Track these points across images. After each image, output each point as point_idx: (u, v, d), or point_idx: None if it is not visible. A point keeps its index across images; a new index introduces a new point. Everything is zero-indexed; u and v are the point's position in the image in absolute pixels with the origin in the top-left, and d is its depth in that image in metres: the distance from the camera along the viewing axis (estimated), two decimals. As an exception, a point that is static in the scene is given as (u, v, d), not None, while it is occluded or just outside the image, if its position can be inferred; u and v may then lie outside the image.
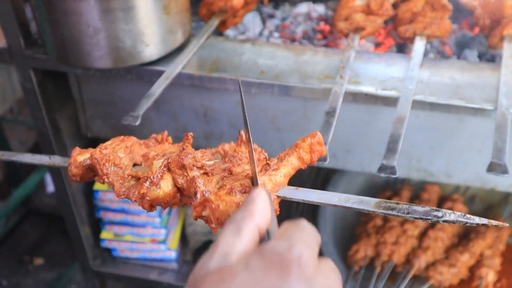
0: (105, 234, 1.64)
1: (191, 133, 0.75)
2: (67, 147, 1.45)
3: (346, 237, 1.61)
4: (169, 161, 0.69)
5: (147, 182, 0.68)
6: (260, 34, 1.55)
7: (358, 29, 1.23)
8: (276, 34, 1.54)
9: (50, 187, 2.43)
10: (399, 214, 0.61)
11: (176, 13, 1.17)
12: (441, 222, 0.59)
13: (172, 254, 1.68)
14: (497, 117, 0.99)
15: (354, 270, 1.50)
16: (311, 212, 1.72)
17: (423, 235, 1.53)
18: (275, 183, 0.66)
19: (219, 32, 1.45)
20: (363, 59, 1.19)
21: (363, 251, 1.51)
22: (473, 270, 1.49)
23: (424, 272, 1.48)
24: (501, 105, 1.02)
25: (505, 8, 1.22)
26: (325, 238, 1.57)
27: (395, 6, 1.35)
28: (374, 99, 1.12)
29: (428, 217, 0.60)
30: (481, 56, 1.36)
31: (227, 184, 0.65)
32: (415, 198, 1.64)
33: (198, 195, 0.65)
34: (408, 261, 1.50)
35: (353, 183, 1.73)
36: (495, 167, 0.90)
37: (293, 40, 1.51)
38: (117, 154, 0.76)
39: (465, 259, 1.47)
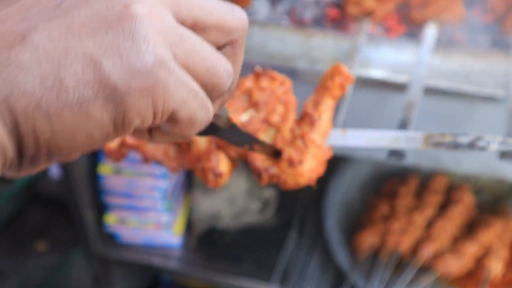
0: (109, 219, 1.63)
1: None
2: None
3: (352, 226, 1.60)
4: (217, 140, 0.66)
5: (211, 175, 0.67)
6: (269, 17, 1.53)
7: (369, 13, 1.21)
8: (284, 18, 1.51)
9: (54, 172, 2.42)
10: (448, 148, 0.63)
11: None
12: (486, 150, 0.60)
13: (177, 241, 1.67)
14: (510, 103, 0.97)
15: (360, 260, 1.48)
16: (317, 200, 1.71)
17: (430, 225, 1.51)
18: (323, 134, 0.64)
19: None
20: (374, 43, 1.17)
21: (369, 240, 1.50)
22: (480, 261, 1.47)
23: (431, 262, 1.46)
24: (514, 92, 1.00)
25: (519, -7, 1.20)
26: (330, 226, 1.55)
27: (407, -9, 1.33)
28: (384, 85, 1.10)
29: (473, 148, 0.61)
30: (495, 43, 1.34)
31: (283, 152, 0.64)
32: (423, 187, 1.62)
33: (263, 174, 0.64)
34: (415, 251, 1.49)
35: (360, 171, 1.71)
36: (508, 154, 0.88)
37: (302, 24, 1.49)
38: None
39: (472, 250, 1.46)
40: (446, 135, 0.59)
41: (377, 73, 1.09)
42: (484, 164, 1.21)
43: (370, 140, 0.63)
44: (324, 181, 1.73)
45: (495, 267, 1.44)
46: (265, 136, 0.65)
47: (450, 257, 1.44)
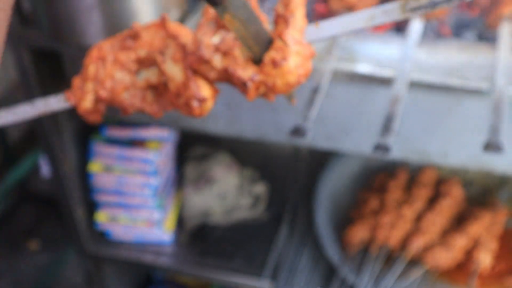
0: (100, 217, 1.63)
1: (165, 13, 0.69)
2: (61, 127, 1.44)
3: (342, 221, 1.61)
4: (191, 63, 0.64)
5: (195, 102, 0.64)
6: (257, 15, 1.53)
7: (350, 9, 1.22)
8: (273, 13, 1.52)
9: (45, 170, 2.42)
10: (427, 10, 0.56)
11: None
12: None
13: (168, 237, 1.67)
14: (494, 96, 0.98)
15: (350, 254, 1.49)
16: (307, 195, 1.72)
17: (419, 218, 1.52)
18: (300, 30, 0.62)
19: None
20: (359, 38, 1.18)
21: (358, 234, 1.51)
22: (469, 253, 1.48)
23: (420, 255, 1.47)
24: (498, 85, 1.00)
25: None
26: (321, 221, 1.56)
27: (393, -14, 1.34)
28: (370, 79, 1.11)
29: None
30: (480, 37, 1.35)
31: (263, 56, 0.61)
32: (412, 181, 1.63)
33: (248, 83, 0.61)
34: (404, 244, 1.50)
35: (349, 166, 1.72)
36: (491, 146, 0.89)
37: None
38: (117, 78, 0.70)
39: (461, 243, 1.47)
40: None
41: (362, 68, 1.09)
42: (471, 157, 1.22)
43: (345, 25, 0.61)
44: (314, 176, 1.74)
45: (484, 259, 1.45)
46: (240, 51, 0.62)
47: (440, 250, 1.45)
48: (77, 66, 1.36)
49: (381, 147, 0.89)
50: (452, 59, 1.11)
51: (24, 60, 1.29)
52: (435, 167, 1.65)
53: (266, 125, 1.29)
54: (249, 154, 1.86)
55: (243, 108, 1.28)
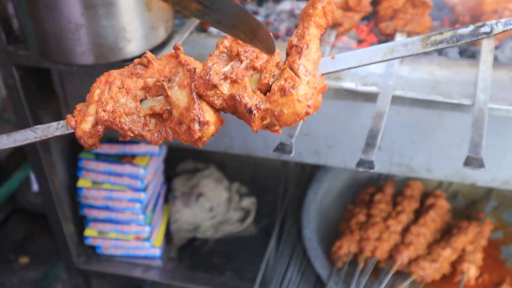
0: (89, 232, 1.64)
1: (179, 43, 0.70)
2: (50, 144, 1.45)
3: (330, 234, 1.62)
4: (196, 87, 0.64)
5: (196, 125, 0.64)
6: (244, 31, 1.55)
7: (335, 25, 1.24)
8: (259, 31, 1.54)
9: (36, 185, 2.42)
10: (449, 45, 0.56)
11: (158, 9, 1.17)
12: (492, 36, 0.55)
13: (157, 252, 1.68)
14: (475, 112, 1.00)
15: (338, 266, 1.51)
16: (295, 208, 1.73)
17: (405, 231, 1.54)
18: (314, 62, 0.62)
19: (202, 28, 1.46)
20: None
21: (346, 247, 1.52)
22: (455, 265, 1.50)
23: (407, 267, 1.49)
24: (479, 100, 1.03)
25: (484, 5, 1.24)
26: (309, 234, 1.58)
27: (376, 3, 1.36)
28: (355, 95, 1.12)
29: (478, 37, 0.55)
30: (462, 53, 1.37)
31: (272, 84, 0.60)
32: (398, 194, 1.65)
33: (254, 111, 0.61)
34: (391, 257, 1.52)
35: (338, 179, 1.74)
36: (471, 161, 0.91)
37: (276, 37, 1.51)
38: (121, 102, 0.69)
39: (447, 255, 1.49)
40: (444, 32, 0.56)
41: (347, 84, 1.11)
42: (455, 171, 1.24)
43: (364, 59, 0.60)
44: (302, 189, 1.76)
45: (470, 271, 1.47)
46: (250, 81, 0.62)
47: (426, 262, 1.47)
48: (65, 83, 1.38)
49: (364, 163, 0.91)
50: (435, 75, 1.13)
51: (13, 77, 1.30)
52: (420, 180, 1.68)
53: (254, 141, 1.31)
54: (238, 168, 1.88)
55: (231, 123, 1.29)
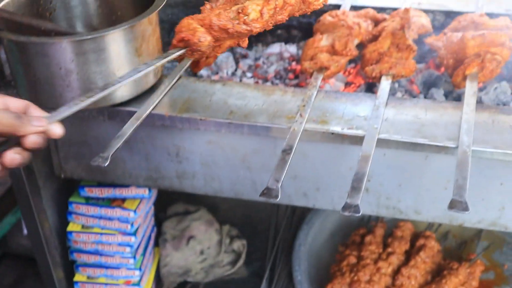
0: (78, 277, 1.62)
1: None
2: (40, 188, 1.45)
3: (321, 276, 1.61)
4: None
5: None
6: (233, 74, 1.58)
7: (322, 69, 1.27)
8: (249, 74, 1.57)
9: (26, 228, 2.40)
10: None
11: (147, 55, 1.20)
12: None
13: (147, 296, 1.66)
14: (458, 154, 1.02)
15: (329, 309, 1.49)
16: (286, 250, 1.73)
17: (396, 272, 1.53)
18: None
19: (192, 72, 1.48)
20: (331, 98, 1.22)
21: (338, 289, 1.51)
22: (447, 307, 1.49)
23: (399, 310, 1.48)
24: (462, 143, 1.04)
25: (467, 48, 1.26)
26: (299, 277, 1.56)
27: (362, 46, 1.39)
28: (341, 138, 1.14)
29: None
30: (447, 95, 1.40)
31: None
32: (389, 235, 1.65)
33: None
34: (383, 299, 1.51)
35: (328, 221, 1.74)
36: (456, 205, 0.92)
37: (265, 79, 1.54)
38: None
39: (439, 297, 1.48)
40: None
41: (333, 127, 1.13)
42: (443, 212, 1.24)
43: None
44: (294, 231, 1.75)
45: (462, 313, 1.46)
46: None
47: (418, 304, 1.46)
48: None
49: (349, 207, 0.91)
50: (419, 118, 1.15)
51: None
52: (410, 221, 1.68)
53: (243, 184, 1.31)
54: (228, 211, 1.87)
55: (220, 167, 1.30)
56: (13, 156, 0.78)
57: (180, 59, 1.36)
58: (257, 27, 1.02)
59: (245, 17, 1.01)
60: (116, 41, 1.12)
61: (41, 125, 0.80)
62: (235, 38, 1.08)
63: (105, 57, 1.12)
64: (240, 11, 1.02)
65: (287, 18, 1.06)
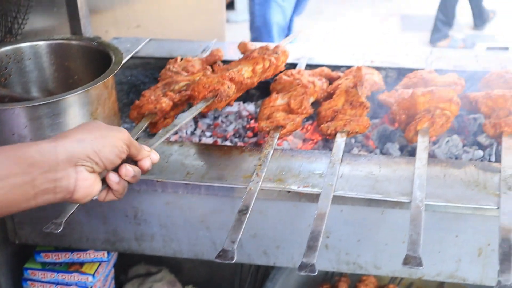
0: None
1: None
2: (-6, 254, 1.41)
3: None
4: None
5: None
6: (193, 133, 1.59)
7: (278, 127, 1.29)
8: (208, 133, 1.58)
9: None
10: None
11: (103, 118, 1.20)
12: None
13: None
14: (411, 209, 1.03)
15: None
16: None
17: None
18: None
19: (150, 133, 1.48)
20: (287, 156, 1.23)
21: None
22: None
23: None
24: (415, 198, 1.06)
25: (417, 104, 1.31)
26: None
27: (317, 104, 1.42)
28: (298, 196, 1.15)
29: None
30: (402, 149, 1.43)
31: None
32: (354, 289, 1.65)
33: None
34: None
35: (292, 278, 1.72)
36: (410, 260, 0.93)
37: (225, 138, 1.55)
38: None
39: None
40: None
41: (289, 186, 1.14)
42: (402, 267, 1.25)
43: None
44: (258, 288, 1.73)
45: None
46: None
47: None
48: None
49: (305, 267, 0.91)
50: (374, 174, 1.17)
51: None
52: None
53: (202, 244, 1.30)
54: (191, 270, 1.84)
55: (179, 227, 1.29)
56: (128, 168, 0.94)
57: (137, 121, 1.37)
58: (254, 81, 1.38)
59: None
60: (71, 106, 1.12)
61: (148, 150, 1.00)
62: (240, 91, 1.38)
63: (60, 122, 1.12)
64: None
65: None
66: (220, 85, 1.29)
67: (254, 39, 3.82)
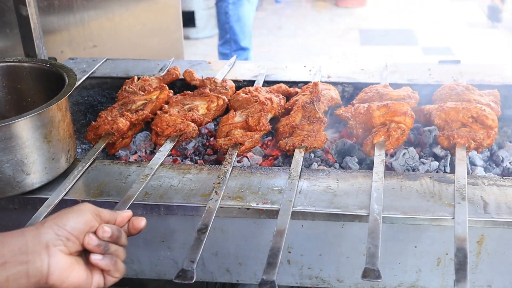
0: None
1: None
2: None
3: None
4: None
5: None
6: (152, 152, 1.58)
7: (236, 145, 1.29)
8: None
9: None
10: None
11: (58, 140, 1.18)
12: None
13: None
14: (369, 222, 1.04)
15: None
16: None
17: None
18: None
19: (109, 154, 1.47)
20: (246, 173, 1.24)
21: None
22: None
23: None
24: (373, 211, 1.07)
25: (373, 118, 1.33)
26: None
27: (276, 120, 1.43)
28: (258, 213, 1.15)
29: None
30: (361, 162, 1.45)
31: None
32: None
33: None
34: None
35: (257, 294, 1.71)
36: (369, 273, 0.93)
37: (185, 156, 1.54)
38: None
39: None
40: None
41: (248, 203, 1.14)
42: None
43: None
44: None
45: None
46: None
47: None
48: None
49: (265, 284, 0.91)
50: (332, 188, 1.18)
51: None
52: None
53: (164, 264, 1.29)
54: (156, 290, 1.82)
55: (140, 248, 1.28)
56: (104, 228, 0.90)
57: (94, 142, 1.36)
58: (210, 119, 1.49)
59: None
60: (23, 129, 1.10)
61: (127, 211, 0.98)
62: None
63: (13, 146, 1.10)
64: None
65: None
66: (186, 126, 1.37)
67: (226, 40, 3.90)
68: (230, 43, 3.92)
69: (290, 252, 1.23)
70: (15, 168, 1.12)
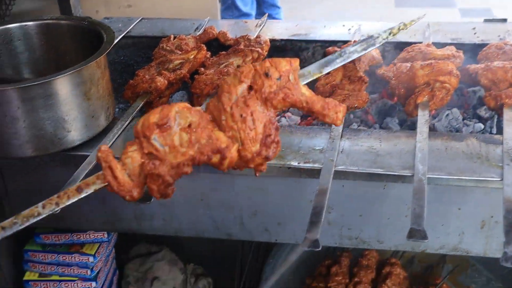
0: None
1: None
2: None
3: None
4: None
5: None
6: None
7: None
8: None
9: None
10: None
11: (97, 98, 1.18)
12: None
13: None
14: (414, 183, 1.02)
15: None
16: (254, 285, 1.70)
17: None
18: None
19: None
20: (286, 133, 1.22)
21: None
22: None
23: None
24: (418, 171, 1.05)
25: (416, 78, 1.28)
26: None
27: (316, 79, 1.40)
28: (299, 172, 1.13)
29: None
30: (402, 123, 1.41)
31: None
32: (355, 265, 1.64)
33: None
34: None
35: (294, 254, 1.72)
36: (414, 234, 0.92)
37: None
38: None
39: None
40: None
41: (289, 162, 1.12)
42: (405, 240, 1.24)
43: None
44: (259, 265, 1.73)
45: None
46: None
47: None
48: (5, 176, 1.34)
49: (308, 242, 0.90)
50: (374, 148, 1.15)
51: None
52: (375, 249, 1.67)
53: (203, 222, 1.29)
54: (192, 248, 1.84)
55: (179, 206, 1.28)
56: None
57: (132, 100, 1.35)
58: None
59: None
60: (63, 86, 1.10)
61: None
62: None
63: (53, 103, 1.10)
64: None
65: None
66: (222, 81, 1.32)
67: (228, 6, 3.77)
68: (231, 9, 3.78)
69: (330, 213, 1.22)
70: (56, 125, 1.12)
